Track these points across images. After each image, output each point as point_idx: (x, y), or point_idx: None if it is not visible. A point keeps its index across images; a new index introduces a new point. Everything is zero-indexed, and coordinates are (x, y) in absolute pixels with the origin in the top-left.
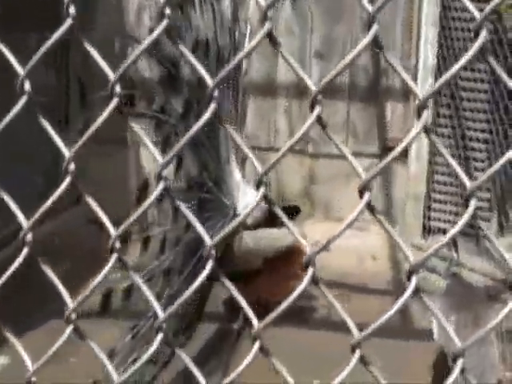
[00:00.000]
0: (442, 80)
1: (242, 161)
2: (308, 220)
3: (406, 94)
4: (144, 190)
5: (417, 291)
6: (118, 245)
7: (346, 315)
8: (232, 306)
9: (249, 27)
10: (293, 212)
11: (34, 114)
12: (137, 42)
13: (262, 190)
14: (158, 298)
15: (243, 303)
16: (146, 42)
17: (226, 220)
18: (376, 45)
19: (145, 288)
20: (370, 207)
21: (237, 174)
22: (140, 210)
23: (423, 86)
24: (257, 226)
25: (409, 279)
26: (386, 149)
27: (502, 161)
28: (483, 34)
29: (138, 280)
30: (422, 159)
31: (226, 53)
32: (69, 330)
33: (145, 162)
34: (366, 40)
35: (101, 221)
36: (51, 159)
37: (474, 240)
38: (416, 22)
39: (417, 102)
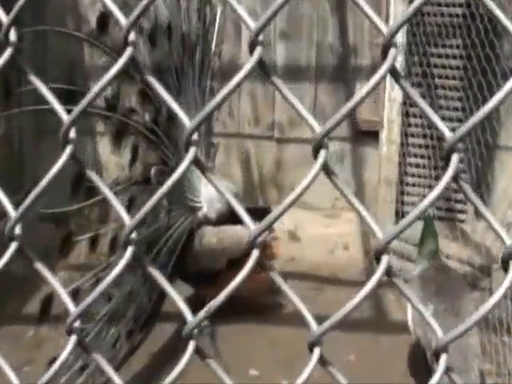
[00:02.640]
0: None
1: (208, 150)
2: (276, 207)
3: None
4: (78, 183)
5: (388, 273)
6: None
7: (302, 306)
8: (197, 303)
9: (219, 8)
10: (263, 215)
11: None
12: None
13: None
14: (110, 298)
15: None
16: (102, 82)
17: (187, 214)
18: (263, 69)
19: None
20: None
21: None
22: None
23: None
24: (220, 221)
25: (378, 260)
26: (357, 132)
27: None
28: (392, 53)
29: None
30: (393, 141)
31: (193, 36)
32: (72, 340)
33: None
34: (249, 65)
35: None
36: None
37: (450, 225)
38: None
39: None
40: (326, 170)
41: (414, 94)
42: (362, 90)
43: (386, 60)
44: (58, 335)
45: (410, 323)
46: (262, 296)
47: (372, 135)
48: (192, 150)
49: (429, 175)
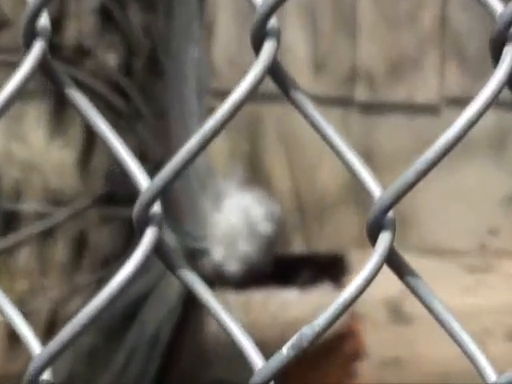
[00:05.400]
0: None
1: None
2: (362, 249)
3: None
4: None
5: (391, 260)
6: None
7: None
8: None
9: None
10: (335, 267)
11: None
12: None
13: None
14: None
15: None
16: None
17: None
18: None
19: None
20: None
21: (204, 168)
22: None
23: None
24: (251, 279)
25: (373, 240)
26: None
27: None
28: (509, 52)
29: None
30: None
31: None
32: None
33: None
34: (254, 74)
35: None
36: None
37: None
38: None
39: None
40: None
41: None
42: None
43: (502, 63)
44: None
45: None
46: None
47: None
48: None
49: None
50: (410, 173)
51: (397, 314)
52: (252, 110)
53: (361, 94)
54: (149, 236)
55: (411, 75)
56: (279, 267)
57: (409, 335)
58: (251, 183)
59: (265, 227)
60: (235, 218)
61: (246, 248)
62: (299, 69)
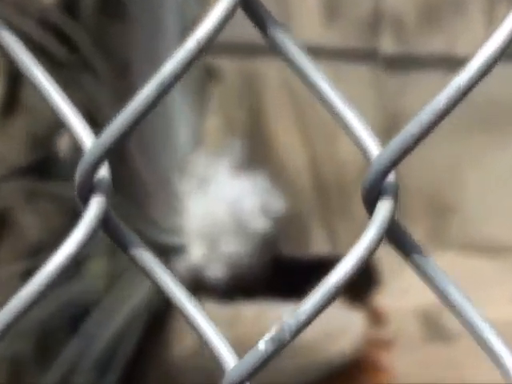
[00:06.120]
0: None
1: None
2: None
3: None
4: None
5: (391, 232)
6: None
7: None
8: None
9: None
10: (364, 284)
11: None
12: None
13: None
14: None
15: None
16: None
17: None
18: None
19: None
20: None
21: (186, 141)
22: None
23: None
24: (238, 286)
25: (369, 207)
26: None
27: None
28: None
29: None
30: None
31: None
32: None
33: None
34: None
35: None
36: None
37: None
38: None
39: None
40: None
41: None
42: None
43: None
44: None
45: None
46: None
47: None
48: None
49: None
50: (414, 123)
51: (434, 328)
52: (248, 66)
53: (387, 45)
54: (94, 207)
55: (451, 21)
56: (280, 273)
57: (450, 356)
58: (252, 163)
59: (260, 222)
60: (221, 207)
61: (233, 248)
62: (308, 14)
